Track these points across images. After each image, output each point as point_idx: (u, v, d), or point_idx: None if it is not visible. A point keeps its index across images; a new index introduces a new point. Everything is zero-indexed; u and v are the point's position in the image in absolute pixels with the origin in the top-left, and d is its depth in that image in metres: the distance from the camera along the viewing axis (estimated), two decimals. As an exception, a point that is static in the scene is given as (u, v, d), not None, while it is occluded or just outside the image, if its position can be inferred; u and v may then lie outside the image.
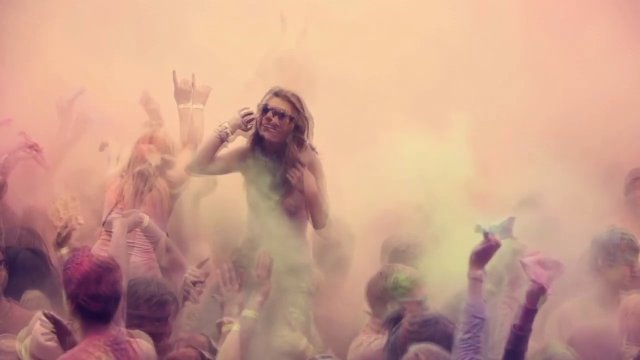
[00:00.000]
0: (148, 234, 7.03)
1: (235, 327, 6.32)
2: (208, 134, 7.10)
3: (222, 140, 6.95)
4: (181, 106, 7.80)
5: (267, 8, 9.24)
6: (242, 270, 6.74)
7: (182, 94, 7.80)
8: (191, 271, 6.85)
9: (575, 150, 8.37)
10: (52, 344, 5.72)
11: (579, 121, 8.89)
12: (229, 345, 6.35)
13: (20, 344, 5.91)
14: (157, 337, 6.06)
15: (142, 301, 6.23)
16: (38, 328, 5.81)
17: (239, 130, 7.02)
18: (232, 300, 6.65)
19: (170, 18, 9.10)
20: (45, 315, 5.67)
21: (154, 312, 6.23)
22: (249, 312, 6.53)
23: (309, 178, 6.98)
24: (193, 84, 7.84)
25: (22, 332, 5.99)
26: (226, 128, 6.92)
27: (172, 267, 7.16)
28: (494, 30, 9.27)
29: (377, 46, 9.17)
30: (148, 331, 5.96)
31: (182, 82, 7.82)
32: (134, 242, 7.03)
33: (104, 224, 7.23)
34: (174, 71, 7.73)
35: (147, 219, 6.93)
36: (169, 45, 8.74)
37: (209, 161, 6.96)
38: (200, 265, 6.93)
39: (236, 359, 6.23)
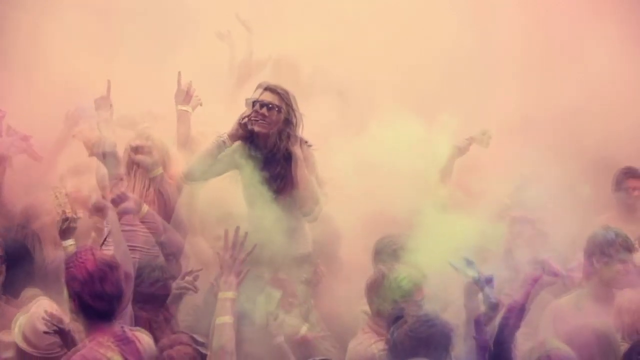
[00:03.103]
0: (147, 222, 6.94)
1: (228, 319, 6.04)
2: (206, 144, 7.12)
3: (219, 151, 6.98)
4: (180, 107, 7.82)
5: (267, 9, 9.30)
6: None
7: (183, 96, 7.79)
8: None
9: (572, 150, 8.40)
10: (53, 338, 5.79)
11: (576, 120, 8.91)
12: (222, 338, 6.30)
13: (16, 325, 5.93)
14: (157, 324, 6.10)
15: (146, 285, 6.29)
16: (35, 312, 5.83)
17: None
18: (231, 269, 6.15)
19: (170, 18, 9.14)
20: (46, 317, 5.73)
21: (157, 296, 6.29)
22: (228, 294, 6.07)
23: (298, 155, 6.97)
24: (189, 87, 7.75)
25: (19, 315, 6.03)
26: (223, 139, 6.97)
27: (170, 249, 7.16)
28: (492, 28, 9.31)
29: (373, 45, 9.23)
30: (149, 317, 6.01)
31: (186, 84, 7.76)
32: (135, 246, 6.84)
33: (91, 210, 7.00)
34: (179, 72, 7.72)
35: (145, 207, 6.91)
36: (169, 45, 8.78)
37: (207, 170, 6.99)
38: (188, 275, 6.94)
39: (228, 345, 6.03)
